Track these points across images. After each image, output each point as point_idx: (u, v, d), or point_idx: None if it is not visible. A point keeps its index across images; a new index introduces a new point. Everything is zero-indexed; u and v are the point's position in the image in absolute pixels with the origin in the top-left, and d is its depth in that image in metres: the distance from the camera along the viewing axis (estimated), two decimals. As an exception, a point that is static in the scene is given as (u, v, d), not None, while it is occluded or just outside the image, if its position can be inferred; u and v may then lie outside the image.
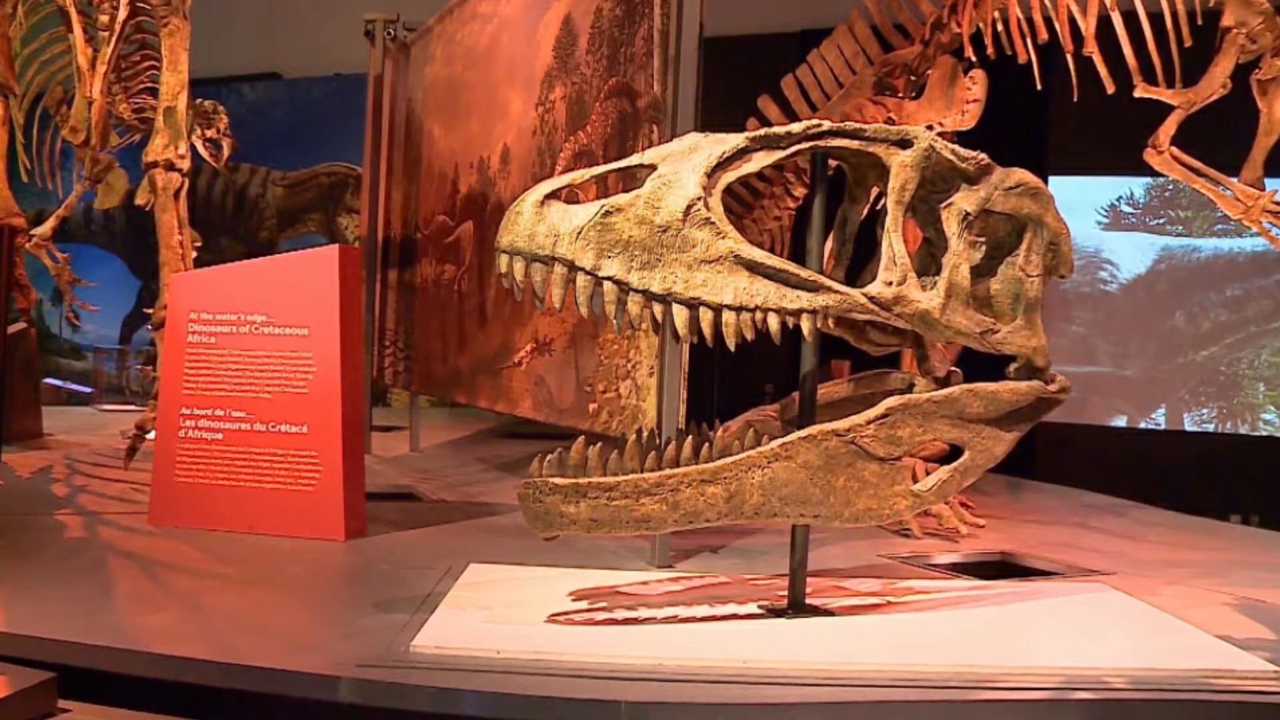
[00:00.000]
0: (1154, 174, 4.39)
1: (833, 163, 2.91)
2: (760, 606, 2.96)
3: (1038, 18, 4.45)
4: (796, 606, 2.93)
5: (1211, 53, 4.19)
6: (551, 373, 4.50)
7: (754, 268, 2.60)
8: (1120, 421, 8.56)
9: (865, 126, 2.81)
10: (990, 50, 4.60)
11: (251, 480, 3.92)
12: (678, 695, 2.33)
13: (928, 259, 2.93)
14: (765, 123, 4.91)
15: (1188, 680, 2.50)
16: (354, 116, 7.77)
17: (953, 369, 2.97)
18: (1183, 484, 7.65)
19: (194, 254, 4.92)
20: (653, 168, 2.63)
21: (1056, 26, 4.40)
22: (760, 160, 2.70)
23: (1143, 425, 8.51)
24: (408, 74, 6.81)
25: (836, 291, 2.69)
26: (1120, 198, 8.53)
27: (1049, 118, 7.70)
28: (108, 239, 11.55)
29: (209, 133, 7.16)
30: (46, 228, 7.13)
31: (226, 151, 7.33)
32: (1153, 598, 3.31)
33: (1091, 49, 4.29)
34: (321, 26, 9.69)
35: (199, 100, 6.88)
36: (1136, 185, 8.51)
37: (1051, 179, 7.10)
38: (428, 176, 6.35)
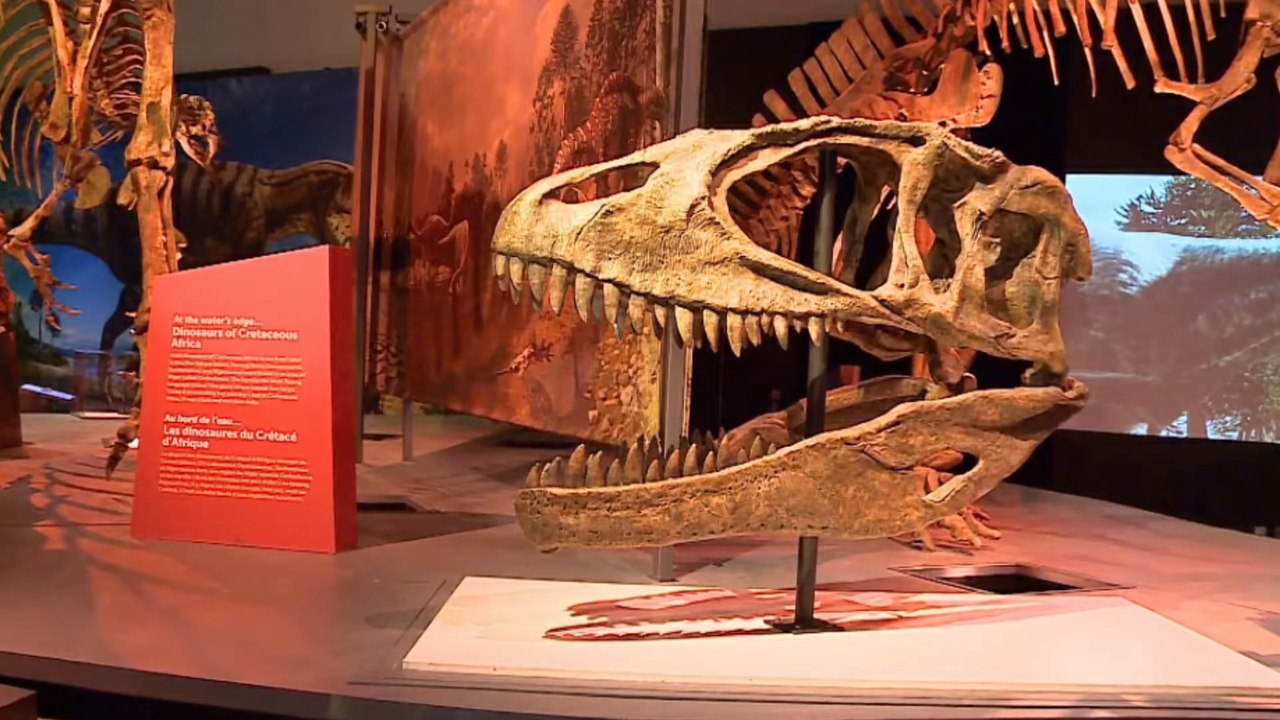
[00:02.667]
0: (1175, 172, 4.40)
1: (842, 161, 2.88)
2: (766, 622, 2.93)
3: (1055, 10, 4.42)
4: (804, 622, 2.90)
5: (1235, 46, 4.15)
6: (550, 379, 4.47)
7: (760, 269, 2.57)
8: (1140, 429, 8.52)
9: (875, 123, 2.77)
10: (1005, 44, 4.58)
11: (238, 490, 3.87)
12: (681, 714, 2.31)
13: (940, 260, 2.89)
14: (772, 119, 4.90)
15: (1210, 698, 2.48)
16: (344, 112, 7.74)
17: (966, 375, 2.93)
18: (1205, 494, 7.59)
19: (178, 255, 4.90)
20: (655, 166, 2.60)
21: (1074, 19, 4.37)
22: (766, 158, 2.67)
23: (1164, 433, 8.48)
24: (400, 68, 6.79)
25: (846, 294, 2.65)
26: (1140, 197, 8.51)
27: (1066, 114, 7.68)
28: (89, 240, 11.52)
29: (194, 129, 7.15)
30: (25, 228, 7.10)
31: (212, 149, 7.31)
32: (1174, 612, 3.28)
33: (1110, 42, 4.26)
34: (311, 19, 9.68)
35: (184, 96, 6.86)
36: (1157, 184, 8.49)
37: (1069, 177, 7.14)
38: (421, 175, 6.31)
